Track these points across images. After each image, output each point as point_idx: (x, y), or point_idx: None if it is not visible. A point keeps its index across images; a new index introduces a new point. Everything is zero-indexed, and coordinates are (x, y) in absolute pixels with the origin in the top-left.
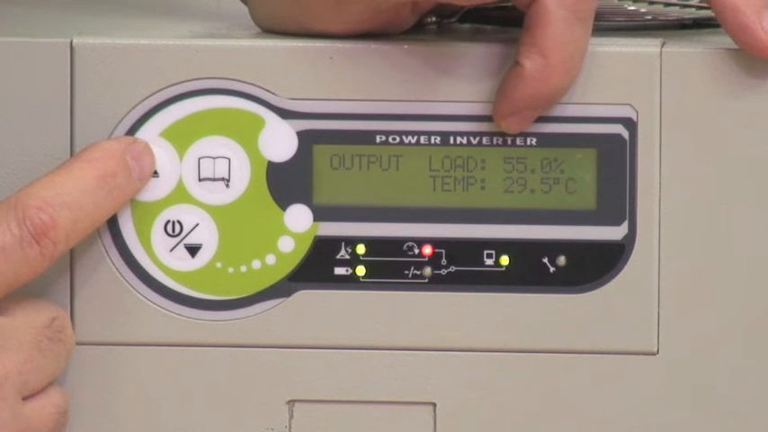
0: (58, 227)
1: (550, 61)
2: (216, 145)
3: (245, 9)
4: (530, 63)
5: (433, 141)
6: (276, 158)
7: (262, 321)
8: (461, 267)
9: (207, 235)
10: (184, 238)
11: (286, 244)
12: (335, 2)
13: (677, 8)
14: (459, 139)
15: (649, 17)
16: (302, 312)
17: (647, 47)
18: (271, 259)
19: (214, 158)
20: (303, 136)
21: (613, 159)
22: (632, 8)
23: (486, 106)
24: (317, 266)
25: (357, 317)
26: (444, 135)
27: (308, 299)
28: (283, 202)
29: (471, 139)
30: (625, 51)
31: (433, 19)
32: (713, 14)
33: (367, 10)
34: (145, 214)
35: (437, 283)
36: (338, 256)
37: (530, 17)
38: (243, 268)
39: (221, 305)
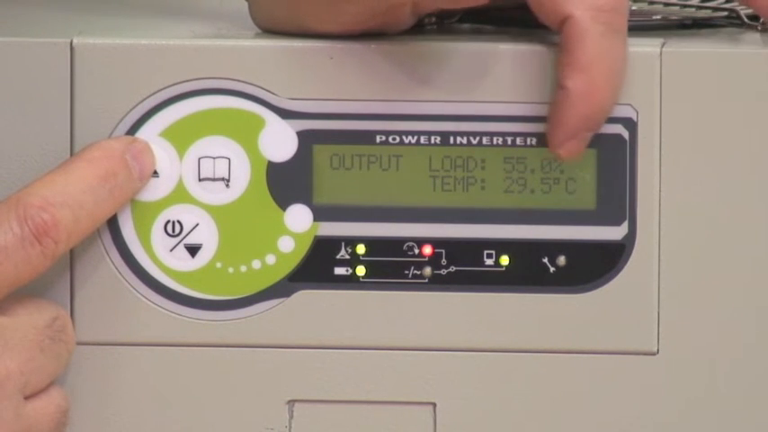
0: (60, 226)
1: (594, 78)
2: (216, 145)
3: (245, 9)
4: (573, 83)
5: (433, 141)
6: (276, 158)
7: (262, 321)
8: (461, 267)
9: (207, 235)
10: (184, 238)
11: (286, 244)
12: (331, 3)
13: (677, 8)
14: (459, 139)
15: (650, 17)
16: (302, 312)
17: (647, 47)
18: (271, 259)
19: (214, 158)
20: (303, 136)
21: (613, 159)
22: (632, 8)
23: (486, 106)
24: (317, 266)
25: (357, 317)
26: (444, 135)
27: (308, 299)
28: (283, 202)
29: (471, 139)
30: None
31: (433, 19)
32: (713, 14)
33: (363, 11)
34: (145, 214)
35: (437, 283)
36: (338, 256)
37: (566, 36)
38: (243, 268)
39: (221, 305)
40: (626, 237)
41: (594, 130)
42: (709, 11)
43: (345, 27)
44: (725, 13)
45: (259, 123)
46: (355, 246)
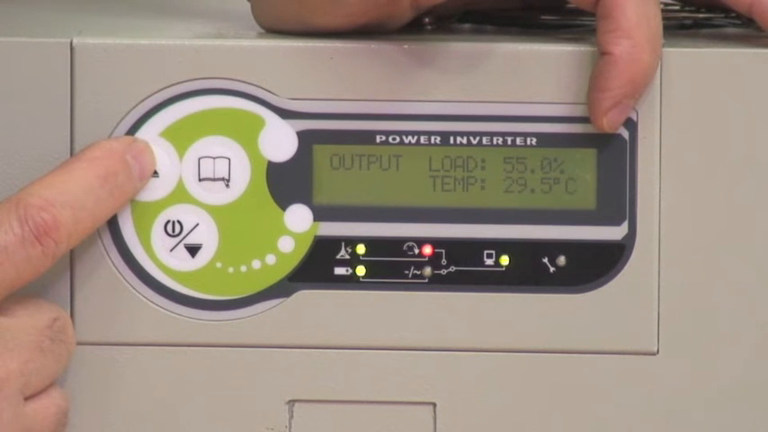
0: (60, 226)
1: (637, 40)
2: (216, 145)
3: (246, 9)
4: (618, 48)
5: (433, 141)
6: (276, 158)
7: (262, 321)
8: (461, 267)
9: (207, 235)
10: (184, 238)
11: (286, 244)
12: None
13: (677, 8)
14: (459, 139)
15: None
16: (302, 312)
17: None
18: (271, 259)
19: (214, 158)
20: (303, 136)
21: (613, 159)
22: None
23: (486, 106)
24: (317, 266)
25: (357, 317)
26: (444, 135)
27: (308, 299)
28: (283, 202)
29: (471, 139)
30: None
31: (432, 20)
32: (713, 15)
33: (364, 1)
34: (145, 214)
35: (437, 283)
36: (338, 256)
37: (604, 5)
38: (243, 268)
39: (221, 305)
40: (626, 237)
41: (637, 97)
42: (709, 12)
43: (347, 20)
44: (724, 14)
45: (259, 123)
46: (355, 246)
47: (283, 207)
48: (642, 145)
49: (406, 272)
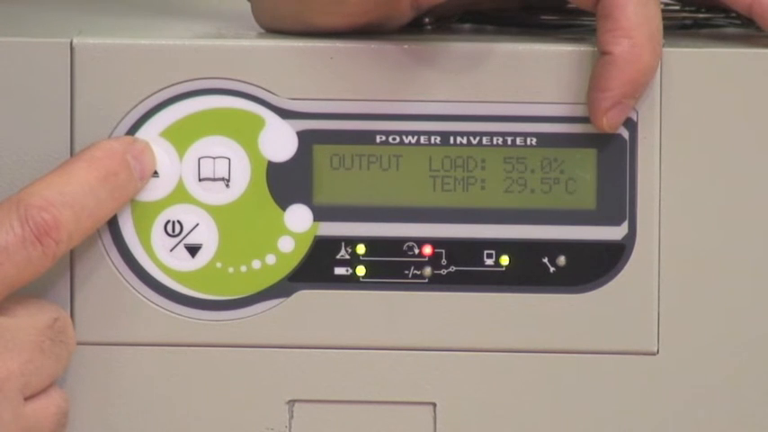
0: (61, 226)
1: (638, 40)
2: (216, 145)
3: (246, 9)
4: (618, 48)
5: (433, 141)
6: (276, 158)
7: (262, 321)
8: (461, 267)
9: (207, 235)
10: (184, 238)
11: (286, 244)
12: None
13: (677, 8)
14: (459, 139)
15: None
16: (302, 312)
17: None
18: (271, 259)
19: (214, 158)
20: (303, 136)
21: (613, 159)
22: None
23: (486, 106)
24: (317, 266)
25: (357, 317)
26: (444, 135)
27: (308, 299)
28: (283, 202)
29: (471, 139)
30: None
31: (432, 20)
32: (713, 15)
33: (364, 1)
34: (145, 214)
35: (437, 283)
36: (338, 256)
37: (607, 5)
38: (243, 268)
39: (221, 305)
40: (626, 237)
41: (637, 96)
42: (709, 12)
43: (349, 19)
44: (724, 14)
45: (259, 123)
46: (355, 246)
47: (283, 207)
48: (642, 145)
49: (406, 272)
